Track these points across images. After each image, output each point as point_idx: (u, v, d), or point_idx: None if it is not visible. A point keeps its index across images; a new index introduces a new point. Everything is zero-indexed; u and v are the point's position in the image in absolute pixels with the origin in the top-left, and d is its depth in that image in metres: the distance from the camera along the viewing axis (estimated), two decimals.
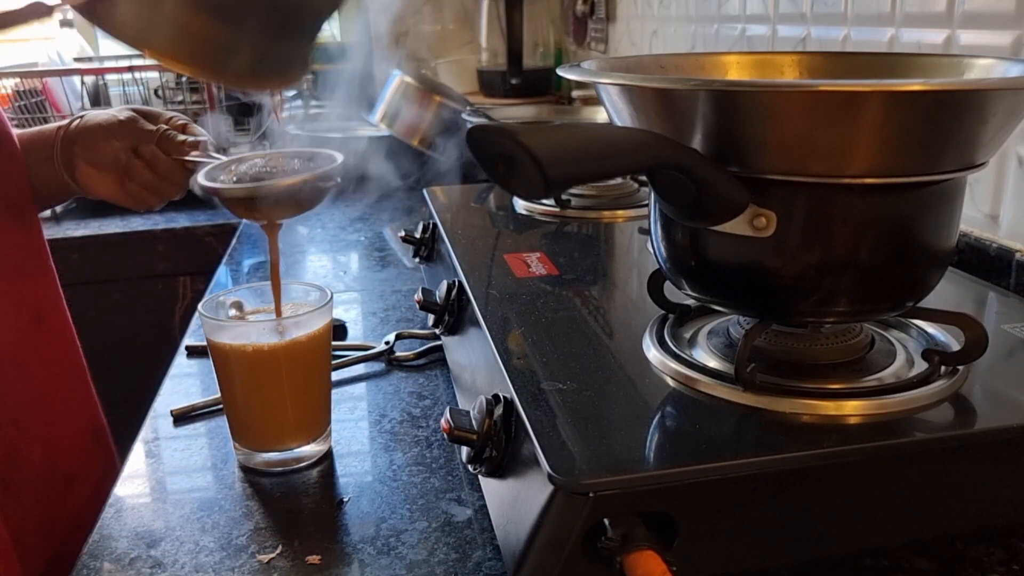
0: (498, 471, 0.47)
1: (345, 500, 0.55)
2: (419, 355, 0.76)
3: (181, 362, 0.78)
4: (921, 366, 0.49)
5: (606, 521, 0.38)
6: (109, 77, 1.63)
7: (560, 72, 0.50)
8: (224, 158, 0.68)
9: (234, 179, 0.64)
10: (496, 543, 0.49)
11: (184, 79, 1.53)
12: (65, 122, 0.73)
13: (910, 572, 0.44)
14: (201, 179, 0.64)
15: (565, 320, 0.58)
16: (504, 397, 0.48)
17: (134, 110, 0.72)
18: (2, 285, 0.69)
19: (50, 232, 1.23)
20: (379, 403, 0.69)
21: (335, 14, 0.49)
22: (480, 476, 0.51)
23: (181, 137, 0.70)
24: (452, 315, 0.69)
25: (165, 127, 0.71)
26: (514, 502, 0.44)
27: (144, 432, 0.66)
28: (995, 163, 0.67)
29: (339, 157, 0.65)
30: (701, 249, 0.47)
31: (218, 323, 0.57)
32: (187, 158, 0.69)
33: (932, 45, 0.73)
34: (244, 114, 1.51)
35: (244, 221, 1.29)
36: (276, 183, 0.61)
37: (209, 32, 0.44)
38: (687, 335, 0.54)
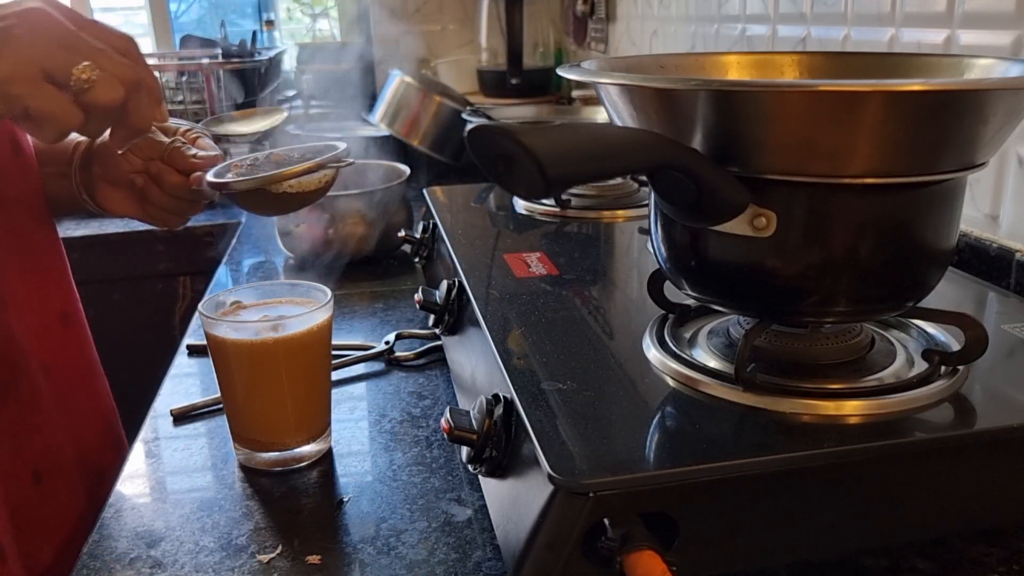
0: (498, 471, 0.47)
1: (345, 500, 0.55)
2: (419, 355, 0.76)
3: (181, 362, 0.78)
4: (921, 366, 0.49)
5: (606, 521, 0.38)
6: None
7: (560, 72, 0.50)
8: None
9: (242, 173, 0.63)
10: (496, 543, 0.49)
11: (184, 78, 1.53)
12: (82, 137, 0.70)
13: (910, 572, 0.44)
14: (209, 177, 0.63)
15: (565, 320, 0.58)
16: (504, 397, 0.48)
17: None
18: (31, 285, 0.69)
19: None
20: (379, 403, 0.69)
21: None
22: (480, 476, 0.51)
23: (192, 151, 0.68)
24: (452, 315, 0.69)
25: (178, 139, 0.69)
26: (514, 502, 0.44)
27: (144, 432, 0.66)
28: (995, 163, 0.67)
29: (340, 145, 0.65)
30: (701, 249, 0.47)
31: (218, 319, 0.57)
32: (193, 176, 0.67)
33: (932, 45, 0.73)
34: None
35: (244, 220, 1.29)
36: (288, 170, 0.61)
37: None
38: (687, 335, 0.54)
